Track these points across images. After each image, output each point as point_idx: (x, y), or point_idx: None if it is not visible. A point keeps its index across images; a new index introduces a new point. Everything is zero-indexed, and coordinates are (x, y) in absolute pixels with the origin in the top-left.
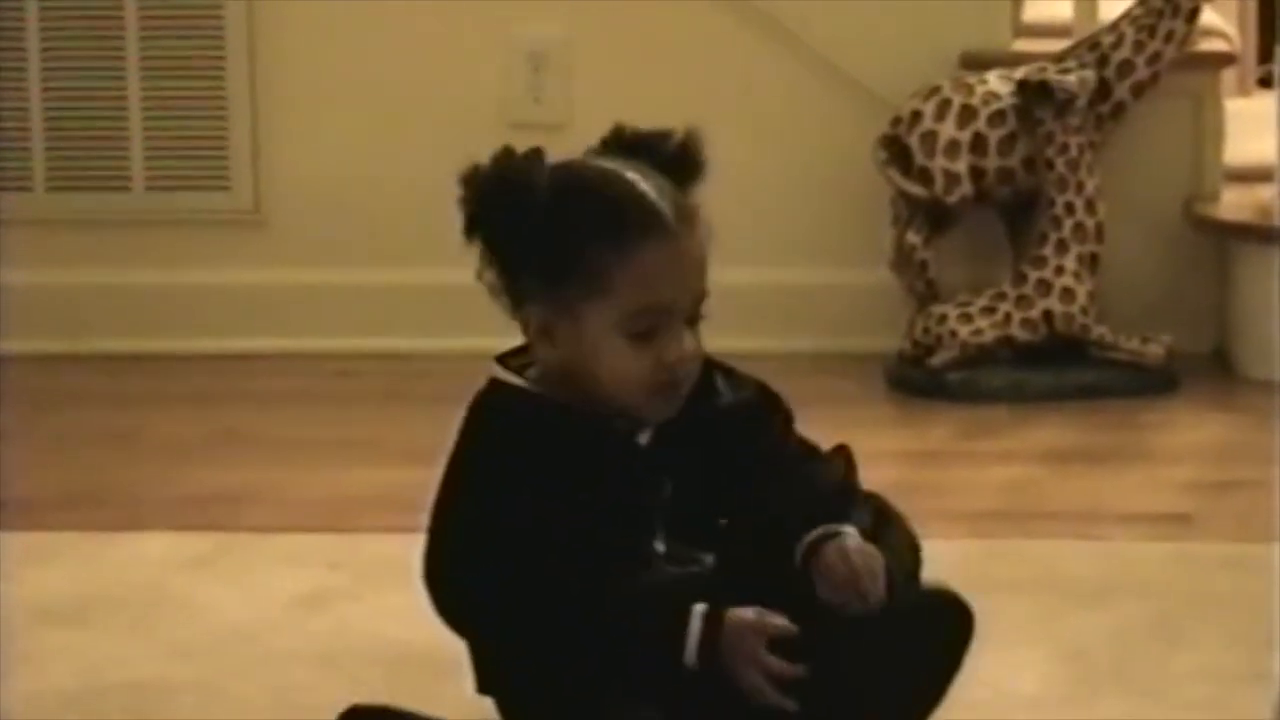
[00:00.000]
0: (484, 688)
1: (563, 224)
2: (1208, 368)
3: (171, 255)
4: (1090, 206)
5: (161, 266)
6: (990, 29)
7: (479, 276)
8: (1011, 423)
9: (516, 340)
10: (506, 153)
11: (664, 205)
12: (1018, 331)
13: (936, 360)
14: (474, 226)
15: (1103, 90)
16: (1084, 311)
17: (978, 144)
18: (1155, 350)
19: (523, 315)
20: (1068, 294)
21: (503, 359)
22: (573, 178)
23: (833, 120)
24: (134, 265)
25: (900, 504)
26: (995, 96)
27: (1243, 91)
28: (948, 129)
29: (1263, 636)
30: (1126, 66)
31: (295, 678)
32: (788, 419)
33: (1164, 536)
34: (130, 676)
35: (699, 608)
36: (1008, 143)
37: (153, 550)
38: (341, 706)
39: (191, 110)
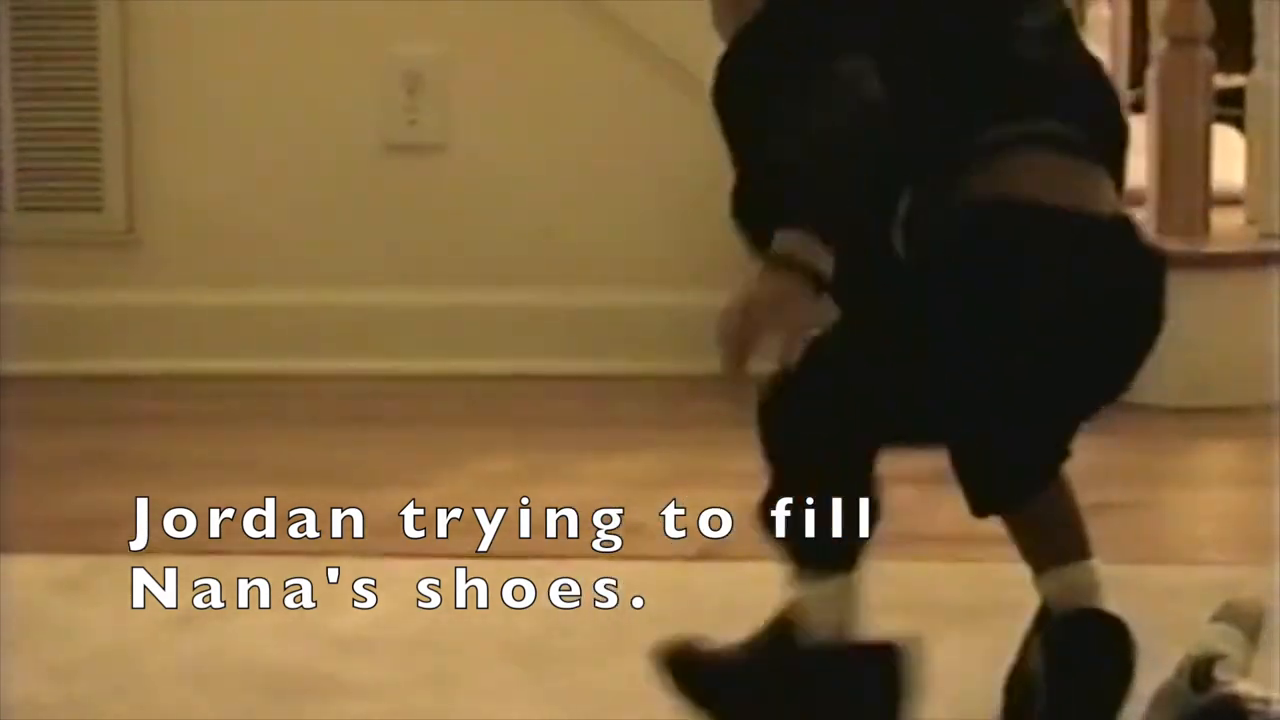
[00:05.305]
0: None
1: None
2: None
3: (44, 276)
4: None
5: (34, 287)
6: None
7: None
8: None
9: (395, 363)
10: None
11: None
12: None
13: None
14: None
15: None
16: None
17: None
18: None
19: None
20: None
21: None
22: None
23: (713, 142)
24: (5, 286)
25: None
26: None
27: None
28: None
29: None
30: None
31: (168, 698)
32: None
33: None
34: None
35: None
36: None
37: (23, 572)
38: None
39: (64, 131)
